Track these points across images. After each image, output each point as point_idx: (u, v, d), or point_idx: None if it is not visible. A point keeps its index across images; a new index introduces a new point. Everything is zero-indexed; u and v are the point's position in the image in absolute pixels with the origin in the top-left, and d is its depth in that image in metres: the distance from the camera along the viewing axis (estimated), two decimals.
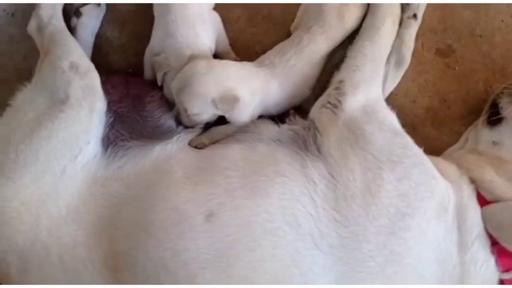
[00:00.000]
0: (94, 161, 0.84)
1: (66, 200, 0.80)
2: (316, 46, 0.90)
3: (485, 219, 0.73)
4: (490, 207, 0.73)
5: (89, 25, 1.03)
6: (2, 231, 0.78)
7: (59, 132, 0.83)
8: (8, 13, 1.11)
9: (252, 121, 0.89)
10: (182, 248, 0.71)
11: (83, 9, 1.03)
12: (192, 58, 0.90)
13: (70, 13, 1.03)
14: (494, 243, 0.72)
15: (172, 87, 0.86)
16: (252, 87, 0.85)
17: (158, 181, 0.80)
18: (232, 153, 0.82)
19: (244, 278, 0.70)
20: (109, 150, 0.86)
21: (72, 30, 1.02)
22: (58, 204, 0.79)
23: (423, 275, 0.71)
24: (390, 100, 0.92)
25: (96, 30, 1.05)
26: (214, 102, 0.82)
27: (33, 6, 1.01)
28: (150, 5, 0.99)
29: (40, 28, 0.98)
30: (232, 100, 0.82)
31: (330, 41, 0.91)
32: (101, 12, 1.05)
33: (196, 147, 0.87)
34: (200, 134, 0.90)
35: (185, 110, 0.84)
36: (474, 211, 0.74)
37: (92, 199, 0.80)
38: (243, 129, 0.88)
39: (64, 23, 1.01)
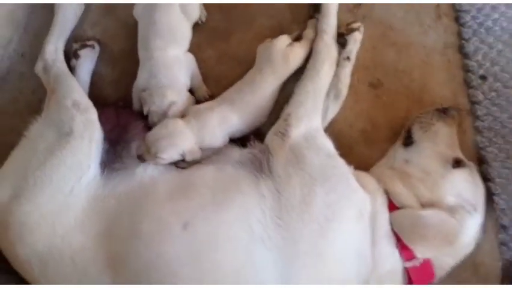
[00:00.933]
0: (94, 181, 1.05)
1: (74, 213, 1.02)
2: (267, 84, 1.13)
3: (392, 222, 0.98)
4: (395, 213, 0.98)
5: (86, 65, 1.26)
6: (26, 240, 1.00)
7: (66, 159, 1.05)
8: (18, 53, 1.33)
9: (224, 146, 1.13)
10: (165, 251, 0.94)
11: (80, 52, 1.25)
12: (169, 101, 1.11)
13: (70, 55, 1.25)
14: (398, 240, 0.96)
15: (151, 133, 1.07)
16: (211, 130, 1.08)
17: (145, 198, 1.03)
18: (205, 173, 1.05)
19: (213, 272, 0.93)
20: (105, 172, 1.07)
21: (72, 69, 1.23)
22: (68, 216, 1.01)
23: (345, 265, 0.95)
24: (332, 125, 1.16)
25: (92, 69, 1.28)
26: (183, 153, 1.05)
27: (39, 46, 1.23)
28: (137, 46, 1.21)
29: (46, 69, 1.20)
30: (196, 153, 1.07)
31: (278, 79, 1.14)
32: (96, 53, 1.28)
33: (178, 167, 1.10)
34: None
35: (155, 153, 1.05)
36: (384, 216, 0.98)
37: (95, 213, 1.02)
38: (217, 152, 1.11)
39: (65, 64, 1.25)
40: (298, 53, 1.14)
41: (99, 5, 1.28)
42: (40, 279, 1.02)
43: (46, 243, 1.00)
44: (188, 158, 1.07)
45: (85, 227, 1.02)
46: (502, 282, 1.06)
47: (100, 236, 1.01)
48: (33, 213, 1.01)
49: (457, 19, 1.15)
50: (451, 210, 0.96)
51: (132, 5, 1.22)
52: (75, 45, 1.26)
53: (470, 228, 0.97)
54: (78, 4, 1.26)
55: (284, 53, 1.13)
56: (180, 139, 1.06)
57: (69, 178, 1.04)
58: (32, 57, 1.25)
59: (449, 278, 1.04)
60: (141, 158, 1.07)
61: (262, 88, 1.12)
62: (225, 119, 1.11)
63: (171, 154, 1.06)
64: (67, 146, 1.05)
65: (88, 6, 1.28)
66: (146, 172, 1.07)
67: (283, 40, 1.15)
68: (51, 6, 1.25)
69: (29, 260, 1.01)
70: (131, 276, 0.96)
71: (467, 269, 1.08)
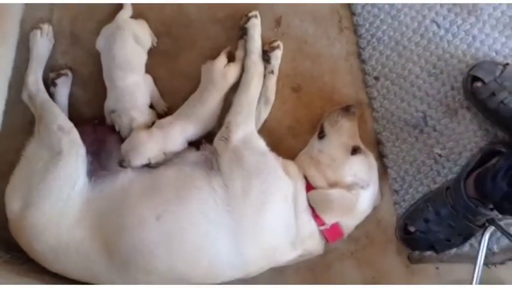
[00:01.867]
0: (84, 187, 1.34)
1: (73, 214, 1.32)
2: (212, 98, 1.42)
3: (309, 199, 1.32)
4: (310, 193, 1.32)
5: (63, 91, 1.51)
6: (39, 238, 1.31)
7: (60, 174, 1.33)
8: None
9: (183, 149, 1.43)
10: (144, 237, 1.27)
11: (57, 81, 1.50)
12: (135, 119, 1.40)
13: (48, 82, 1.49)
14: (314, 211, 1.31)
15: (122, 146, 1.36)
16: (172, 137, 1.38)
17: (126, 196, 1.34)
18: (169, 174, 1.36)
19: (181, 250, 1.27)
20: (92, 179, 1.36)
21: (51, 95, 1.48)
22: (69, 217, 1.31)
23: (277, 233, 1.29)
24: (264, 124, 1.47)
25: (68, 93, 1.52)
26: (149, 159, 1.35)
27: (22, 78, 1.47)
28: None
29: (31, 97, 1.46)
30: (159, 157, 1.36)
31: (219, 93, 1.42)
32: (70, 80, 1.52)
33: (150, 166, 1.40)
34: None
35: (129, 161, 1.35)
36: (303, 195, 1.32)
37: (88, 212, 1.32)
38: (177, 155, 1.41)
39: (46, 92, 1.48)
40: (233, 71, 1.43)
41: (66, 38, 1.52)
42: (54, 266, 1.35)
43: (55, 239, 1.31)
44: (153, 161, 1.37)
45: (82, 223, 1.32)
46: (395, 232, 1.46)
47: (95, 229, 1.31)
48: (41, 218, 1.31)
49: (355, 32, 1.44)
50: (349, 187, 1.31)
51: (94, 36, 1.47)
52: (51, 75, 1.51)
53: (364, 199, 1.33)
54: (48, 39, 1.51)
55: (222, 73, 1.42)
56: (144, 149, 1.36)
57: (64, 188, 1.33)
58: (17, 87, 1.50)
59: (358, 230, 1.42)
60: (121, 165, 1.37)
61: (208, 101, 1.42)
62: (183, 129, 1.41)
63: (140, 161, 1.36)
64: (59, 163, 1.34)
65: (56, 39, 1.52)
66: (126, 175, 1.37)
67: (221, 61, 1.44)
68: (27, 43, 1.50)
69: (43, 252, 1.33)
70: (121, 258, 1.29)
71: (372, 222, 1.47)
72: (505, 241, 1.41)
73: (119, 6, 1.47)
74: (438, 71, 1.41)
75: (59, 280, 1.36)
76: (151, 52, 1.49)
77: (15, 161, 1.41)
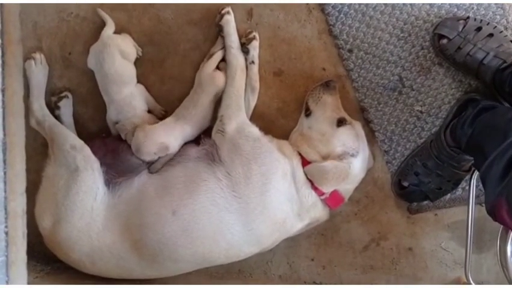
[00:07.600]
0: (105, 196, 1.56)
1: (100, 222, 1.55)
2: (202, 100, 1.62)
3: (306, 173, 1.54)
4: (307, 167, 1.53)
5: (67, 112, 1.72)
6: (75, 248, 1.55)
7: (81, 188, 1.54)
8: None
9: (184, 147, 1.65)
10: (165, 232, 1.51)
11: (59, 104, 1.70)
12: (137, 123, 1.63)
13: (52, 107, 1.70)
14: (312, 184, 1.53)
15: (132, 145, 1.59)
16: (173, 134, 1.60)
17: (143, 198, 1.57)
18: (177, 173, 1.58)
19: (200, 236, 1.51)
20: (110, 187, 1.58)
21: (57, 117, 1.69)
22: (96, 225, 1.54)
23: (282, 208, 1.52)
24: (255, 110, 1.67)
25: (72, 112, 1.73)
26: (155, 153, 1.57)
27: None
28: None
29: (39, 123, 1.66)
30: (165, 149, 1.58)
31: (210, 96, 1.62)
32: (71, 100, 1.72)
33: (152, 172, 1.64)
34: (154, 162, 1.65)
35: (142, 155, 1.59)
36: (300, 171, 1.54)
37: (113, 217, 1.55)
38: (180, 153, 1.64)
39: (52, 115, 1.71)
40: (221, 76, 1.62)
41: (59, 62, 1.72)
42: (92, 269, 1.59)
43: (88, 246, 1.54)
44: (160, 155, 1.58)
45: (110, 228, 1.55)
46: (391, 189, 1.69)
47: (122, 231, 1.54)
48: (72, 231, 1.54)
49: (322, 10, 1.62)
50: (340, 157, 1.53)
51: (84, 56, 1.68)
52: (53, 99, 1.71)
53: (356, 165, 1.55)
54: (43, 66, 1.70)
55: (210, 76, 1.62)
56: (144, 147, 1.55)
57: (87, 200, 1.54)
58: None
59: (357, 192, 1.66)
60: (144, 162, 1.58)
61: (199, 104, 1.62)
62: (182, 129, 1.63)
63: (148, 157, 1.57)
64: (78, 179, 1.55)
65: (50, 65, 1.70)
66: (140, 179, 1.60)
67: (209, 66, 1.63)
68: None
69: (80, 260, 1.56)
70: (149, 252, 1.53)
71: (369, 183, 1.72)
72: None
73: (102, 25, 1.67)
74: (407, 34, 1.60)
75: (98, 281, 1.61)
76: (138, 62, 1.68)
77: (36, 181, 1.62)
